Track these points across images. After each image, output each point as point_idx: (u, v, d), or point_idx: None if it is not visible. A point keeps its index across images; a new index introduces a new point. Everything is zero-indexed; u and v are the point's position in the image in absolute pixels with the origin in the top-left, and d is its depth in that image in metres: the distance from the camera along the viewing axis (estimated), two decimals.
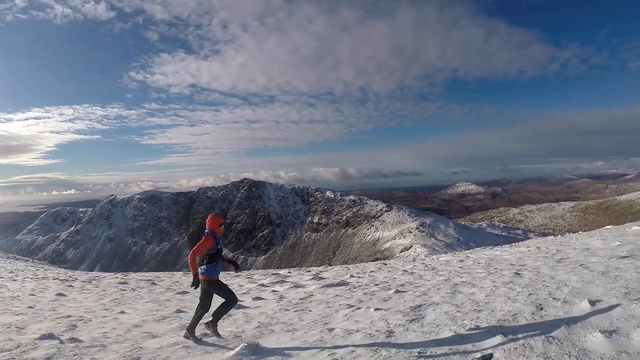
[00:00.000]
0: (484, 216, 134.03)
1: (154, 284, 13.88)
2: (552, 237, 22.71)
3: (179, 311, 7.80)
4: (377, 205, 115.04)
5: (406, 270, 11.21)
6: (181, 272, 20.83)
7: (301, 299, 8.08)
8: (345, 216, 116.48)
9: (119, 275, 18.98)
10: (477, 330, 4.16)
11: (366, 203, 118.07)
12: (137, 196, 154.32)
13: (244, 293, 9.98)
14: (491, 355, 3.48)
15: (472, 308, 5.09)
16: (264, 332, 5.59)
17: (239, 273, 16.92)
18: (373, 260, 46.53)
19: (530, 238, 40.31)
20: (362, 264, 21.96)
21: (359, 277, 11.05)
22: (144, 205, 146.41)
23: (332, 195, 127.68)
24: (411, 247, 74.29)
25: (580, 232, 20.38)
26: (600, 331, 3.48)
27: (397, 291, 7.18)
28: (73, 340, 5.47)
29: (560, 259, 8.30)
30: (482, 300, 5.48)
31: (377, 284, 8.88)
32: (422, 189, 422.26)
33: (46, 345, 5.13)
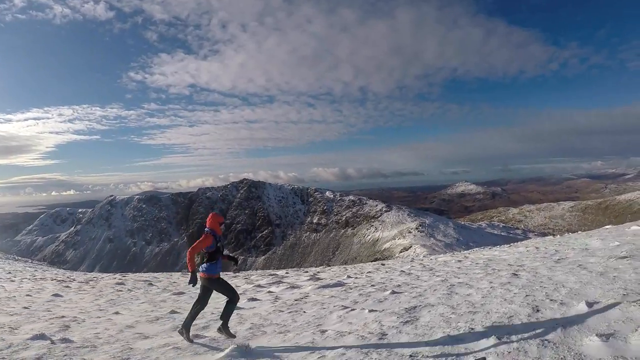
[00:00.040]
0: (484, 216, 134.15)
1: (151, 284, 13.81)
2: (551, 237, 22.64)
3: (173, 312, 7.74)
4: (376, 205, 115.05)
5: (404, 271, 11.13)
6: (179, 273, 20.76)
7: (296, 300, 8.01)
8: (344, 216, 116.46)
9: (117, 276, 18.91)
10: (472, 333, 4.09)
11: (365, 203, 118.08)
12: (137, 197, 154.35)
13: (240, 294, 9.89)
14: (484, 358, 3.40)
15: (468, 310, 5.02)
16: (256, 334, 5.55)
17: (236, 274, 16.87)
18: (372, 261, 46.49)
19: (530, 238, 40.22)
20: (360, 264, 21.90)
21: (356, 277, 10.98)
22: (144, 205, 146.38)
23: (332, 196, 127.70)
24: (411, 247, 74.31)
25: (579, 232, 20.33)
26: (597, 334, 3.40)
27: (393, 292, 7.12)
28: (64, 340, 5.49)
29: (558, 260, 8.23)
30: (478, 301, 5.41)
31: (373, 285, 8.81)
32: (421, 189, 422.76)
33: (37, 346, 5.16)
